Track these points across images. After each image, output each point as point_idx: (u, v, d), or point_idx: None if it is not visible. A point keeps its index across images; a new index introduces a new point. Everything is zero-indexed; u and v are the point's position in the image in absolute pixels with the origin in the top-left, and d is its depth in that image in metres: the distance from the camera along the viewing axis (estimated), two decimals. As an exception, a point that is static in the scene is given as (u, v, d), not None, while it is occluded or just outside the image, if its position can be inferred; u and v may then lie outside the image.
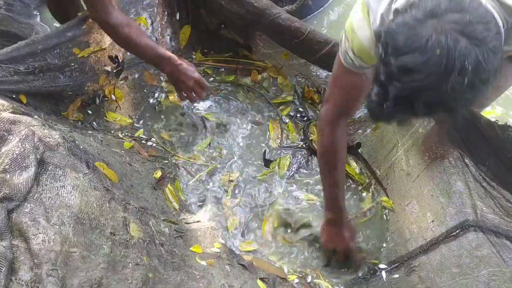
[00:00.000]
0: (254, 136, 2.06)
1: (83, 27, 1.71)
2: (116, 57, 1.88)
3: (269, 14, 1.81)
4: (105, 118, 1.94)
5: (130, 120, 2.01)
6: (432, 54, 0.90)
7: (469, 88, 0.91)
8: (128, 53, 1.92)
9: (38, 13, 2.56)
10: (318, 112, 2.11)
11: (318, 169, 1.95)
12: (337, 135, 1.53)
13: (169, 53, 1.68)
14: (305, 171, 1.98)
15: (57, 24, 2.15)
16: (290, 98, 2.16)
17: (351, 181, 1.97)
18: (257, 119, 2.11)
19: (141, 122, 2.05)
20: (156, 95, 2.12)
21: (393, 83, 0.96)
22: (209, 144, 2.01)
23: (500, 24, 1.01)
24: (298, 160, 2.00)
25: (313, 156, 2.01)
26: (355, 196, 1.94)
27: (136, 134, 1.97)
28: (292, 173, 1.96)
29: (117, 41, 1.68)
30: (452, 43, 0.89)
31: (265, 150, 2.00)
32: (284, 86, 2.19)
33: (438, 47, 0.89)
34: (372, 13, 1.18)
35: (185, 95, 1.77)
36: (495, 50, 0.92)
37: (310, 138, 2.03)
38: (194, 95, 1.76)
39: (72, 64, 1.71)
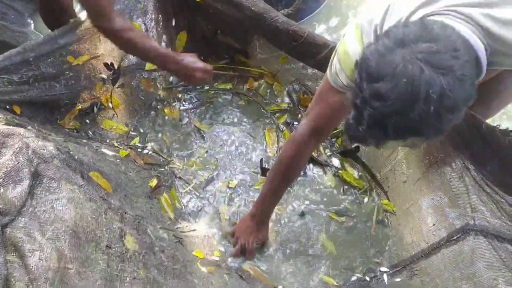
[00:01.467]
0: (251, 144, 2.05)
1: (76, 33, 1.69)
2: (112, 64, 1.87)
3: (267, 18, 1.81)
4: (101, 127, 1.92)
5: (126, 128, 1.99)
6: (399, 82, 0.93)
7: (436, 116, 0.94)
8: (125, 60, 1.92)
9: (32, 22, 2.55)
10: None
11: (315, 176, 1.97)
12: (304, 152, 1.58)
13: (170, 52, 1.72)
14: (302, 180, 1.96)
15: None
16: (284, 105, 2.15)
17: (349, 186, 1.95)
18: (253, 127, 2.09)
19: (137, 130, 2.03)
20: (153, 103, 2.11)
21: (366, 107, 0.98)
22: (206, 152, 2.00)
23: (479, 48, 1.04)
24: None
25: (311, 165, 2.00)
26: (356, 201, 1.92)
27: (131, 143, 1.95)
28: None
29: (120, 45, 1.67)
30: (417, 71, 0.92)
31: (261, 159, 1.99)
32: (280, 93, 2.18)
33: (404, 75, 0.93)
34: (365, 37, 1.21)
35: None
36: (464, 78, 0.94)
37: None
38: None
39: (67, 72, 1.70)
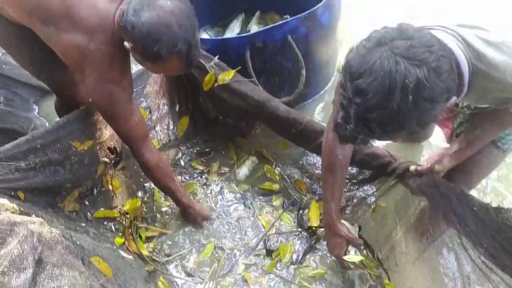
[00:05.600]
0: (251, 226, 2.05)
1: (84, 121, 1.76)
2: (115, 148, 1.92)
3: (268, 107, 1.89)
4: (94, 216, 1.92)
5: (118, 214, 1.99)
6: (377, 76, 1.01)
7: (414, 105, 1.01)
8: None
9: (36, 107, 2.64)
10: (307, 199, 2.12)
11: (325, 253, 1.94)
12: (340, 153, 1.60)
13: (188, 204, 1.95)
14: (312, 256, 1.94)
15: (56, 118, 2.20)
16: (276, 186, 2.17)
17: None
18: (248, 210, 2.11)
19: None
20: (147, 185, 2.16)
21: (351, 105, 1.06)
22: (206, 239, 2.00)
23: (462, 59, 1.13)
24: (302, 245, 1.96)
25: (315, 243, 1.98)
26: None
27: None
28: (299, 258, 1.92)
29: (149, 178, 1.92)
30: (393, 65, 1.00)
31: (265, 239, 1.98)
32: (271, 175, 2.21)
33: (381, 69, 1.01)
34: None
35: None
36: (439, 70, 1.02)
37: (308, 225, 2.01)
38: None
39: (73, 157, 1.73)
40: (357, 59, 1.06)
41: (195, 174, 2.25)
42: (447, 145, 1.81)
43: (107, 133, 1.86)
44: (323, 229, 1.94)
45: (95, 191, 1.92)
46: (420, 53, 1.02)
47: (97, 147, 1.85)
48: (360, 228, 1.96)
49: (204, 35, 2.84)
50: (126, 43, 1.43)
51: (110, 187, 1.98)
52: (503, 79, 1.17)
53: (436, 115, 1.08)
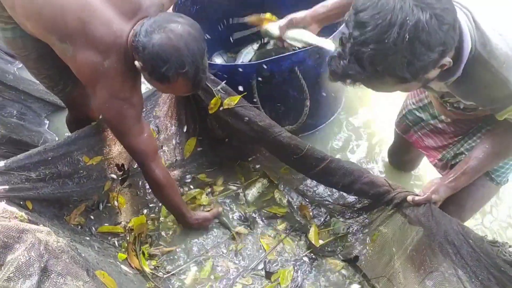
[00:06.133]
0: (252, 247, 2.06)
1: (94, 137, 1.82)
2: (123, 165, 1.96)
3: (271, 132, 1.93)
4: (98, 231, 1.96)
5: (122, 229, 2.03)
6: (381, 10, 1.05)
7: (409, 44, 1.04)
8: (134, 162, 2.00)
9: (47, 122, 2.72)
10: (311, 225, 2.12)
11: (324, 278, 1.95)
12: None
13: (187, 212, 1.98)
14: (312, 283, 1.94)
15: (66, 132, 2.27)
16: (283, 210, 2.18)
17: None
18: (251, 231, 2.13)
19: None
20: (153, 205, 2.18)
21: (349, 40, 1.09)
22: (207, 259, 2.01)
23: (466, 38, 1.16)
24: (302, 271, 1.96)
25: (316, 269, 1.99)
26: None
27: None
28: (299, 285, 1.91)
29: (156, 194, 1.94)
30: (399, 2, 1.04)
31: (265, 261, 1.99)
32: (279, 199, 2.22)
33: (386, 4, 1.04)
34: None
35: None
36: (442, 19, 1.05)
37: (310, 250, 2.03)
38: None
39: (81, 171, 1.79)
40: None
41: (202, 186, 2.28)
42: (439, 175, 1.85)
43: (116, 150, 1.91)
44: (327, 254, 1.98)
45: (101, 206, 1.97)
46: None
47: (106, 163, 1.91)
48: (358, 258, 1.96)
49: (218, 59, 2.92)
50: (136, 62, 1.49)
51: (116, 203, 2.02)
52: (500, 71, 1.19)
53: (427, 66, 1.10)
